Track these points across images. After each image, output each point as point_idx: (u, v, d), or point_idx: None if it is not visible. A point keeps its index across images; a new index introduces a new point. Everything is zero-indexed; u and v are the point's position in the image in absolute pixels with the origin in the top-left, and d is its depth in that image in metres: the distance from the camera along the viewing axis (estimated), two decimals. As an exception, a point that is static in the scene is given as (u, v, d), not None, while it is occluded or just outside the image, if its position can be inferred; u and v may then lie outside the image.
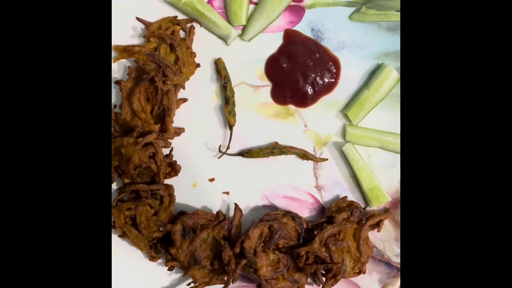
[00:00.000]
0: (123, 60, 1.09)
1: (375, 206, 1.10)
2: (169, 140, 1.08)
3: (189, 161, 1.10)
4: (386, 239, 1.10)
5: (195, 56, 1.09)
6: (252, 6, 1.12)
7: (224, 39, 1.11)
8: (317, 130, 1.11)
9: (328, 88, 1.11)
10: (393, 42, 1.11)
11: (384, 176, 1.10)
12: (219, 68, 1.10)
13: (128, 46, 1.06)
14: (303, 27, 1.12)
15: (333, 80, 1.11)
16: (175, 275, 1.09)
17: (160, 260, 1.07)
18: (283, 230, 1.02)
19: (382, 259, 1.10)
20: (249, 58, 1.12)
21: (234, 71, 1.11)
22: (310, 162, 1.11)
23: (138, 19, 1.08)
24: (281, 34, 1.12)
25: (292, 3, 1.12)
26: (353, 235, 1.04)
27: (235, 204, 1.06)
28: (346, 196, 1.09)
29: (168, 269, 1.05)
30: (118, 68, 1.10)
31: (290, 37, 1.11)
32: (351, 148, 1.09)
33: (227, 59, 1.11)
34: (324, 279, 1.04)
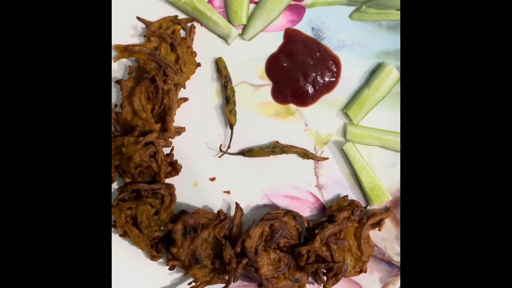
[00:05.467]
0: (124, 59, 1.09)
1: (376, 205, 1.10)
2: (170, 139, 1.08)
3: (190, 161, 1.10)
4: (387, 238, 1.10)
5: (195, 56, 1.09)
6: (252, 6, 1.12)
7: (224, 38, 1.11)
8: (318, 129, 1.11)
9: (329, 87, 1.11)
10: (394, 41, 1.11)
11: (384, 175, 1.10)
12: (220, 67, 1.10)
13: (128, 45, 1.06)
14: (304, 26, 1.12)
15: (334, 79, 1.11)
16: (176, 275, 1.09)
17: (161, 260, 1.07)
18: (284, 229, 1.02)
19: (383, 258, 1.10)
20: (249, 57, 1.12)
21: (234, 70, 1.11)
22: (311, 161, 1.11)
23: (138, 18, 1.08)
24: (282, 33, 1.12)
25: (293, 2, 1.12)
26: (354, 234, 1.04)
27: (236, 203, 1.06)
28: (347, 195, 1.09)
29: (169, 269, 1.05)
30: (119, 68, 1.10)
31: (291, 36, 1.12)
32: (352, 147, 1.09)
33: (228, 58, 1.11)
34: (325, 278, 1.04)
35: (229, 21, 1.11)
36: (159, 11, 1.10)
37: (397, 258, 1.10)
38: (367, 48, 1.11)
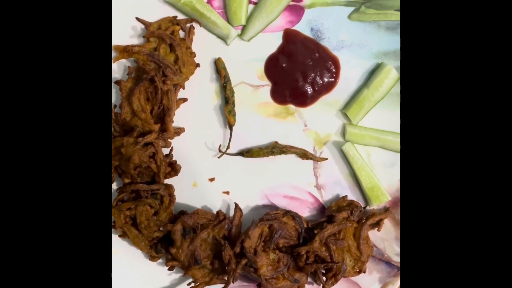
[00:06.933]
0: (123, 60, 1.09)
1: (375, 205, 1.10)
2: (169, 140, 1.08)
3: (189, 161, 1.10)
4: (386, 238, 1.10)
5: (194, 56, 1.09)
6: (251, 6, 1.12)
7: (223, 39, 1.11)
8: (317, 129, 1.11)
9: (328, 87, 1.11)
10: (393, 41, 1.11)
11: (384, 175, 1.10)
12: (219, 68, 1.10)
13: (128, 46, 1.06)
14: (303, 27, 1.12)
15: (333, 79, 1.11)
16: (175, 275, 1.09)
17: (160, 260, 1.07)
18: (283, 229, 1.02)
19: (382, 258, 1.10)
20: (248, 58, 1.12)
21: (233, 70, 1.11)
22: (310, 162, 1.11)
23: (137, 19, 1.08)
24: (281, 33, 1.12)
25: (292, 3, 1.12)
26: (353, 234, 1.04)
27: (235, 203, 1.06)
28: (346, 196, 1.09)
29: (169, 269, 1.05)
30: (118, 68, 1.10)
31: (290, 36, 1.12)
32: (351, 147, 1.09)
33: (227, 59, 1.11)
34: (324, 278, 1.04)
35: (228, 22, 1.11)
36: (158, 12, 1.10)
37: (396, 259, 1.10)
38: (366, 48, 1.11)
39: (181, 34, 1.09)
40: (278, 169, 1.11)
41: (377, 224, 1.07)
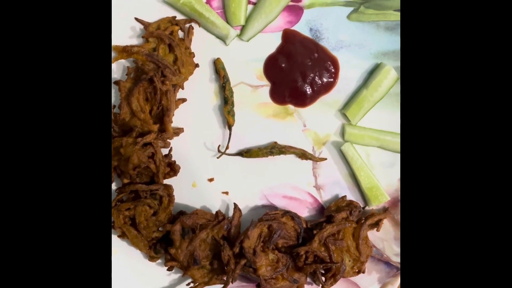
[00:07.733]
0: (122, 60, 1.09)
1: (374, 205, 1.10)
2: (168, 140, 1.08)
3: (188, 161, 1.10)
4: (386, 239, 1.10)
5: (193, 56, 1.09)
6: (250, 6, 1.12)
7: (222, 39, 1.11)
8: (316, 129, 1.11)
9: (327, 87, 1.11)
10: (392, 42, 1.11)
11: (383, 176, 1.10)
12: (218, 68, 1.10)
13: (127, 46, 1.06)
14: (302, 27, 1.12)
15: (332, 79, 1.11)
16: (174, 275, 1.09)
17: (159, 260, 1.07)
18: (282, 229, 1.02)
19: (382, 259, 1.10)
20: (248, 58, 1.12)
21: (233, 71, 1.11)
22: (309, 162, 1.11)
23: (137, 19, 1.08)
24: (280, 34, 1.12)
25: (291, 3, 1.12)
26: (353, 234, 1.04)
27: (234, 204, 1.06)
28: (345, 196, 1.09)
29: (168, 269, 1.05)
30: (117, 69, 1.10)
31: (289, 37, 1.12)
32: (350, 148, 1.09)
33: (226, 59, 1.11)
34: (323, 278, 1.04)
35: (227, 22, 1.11)
36: (157, 12, 1.10)
37: (395, 259, 1.10)
38: (365, 48, 1.11)
39: (180, 34, 1.09)
40: (277, 169, 1.11)
41: (376, 224, 1.07)
